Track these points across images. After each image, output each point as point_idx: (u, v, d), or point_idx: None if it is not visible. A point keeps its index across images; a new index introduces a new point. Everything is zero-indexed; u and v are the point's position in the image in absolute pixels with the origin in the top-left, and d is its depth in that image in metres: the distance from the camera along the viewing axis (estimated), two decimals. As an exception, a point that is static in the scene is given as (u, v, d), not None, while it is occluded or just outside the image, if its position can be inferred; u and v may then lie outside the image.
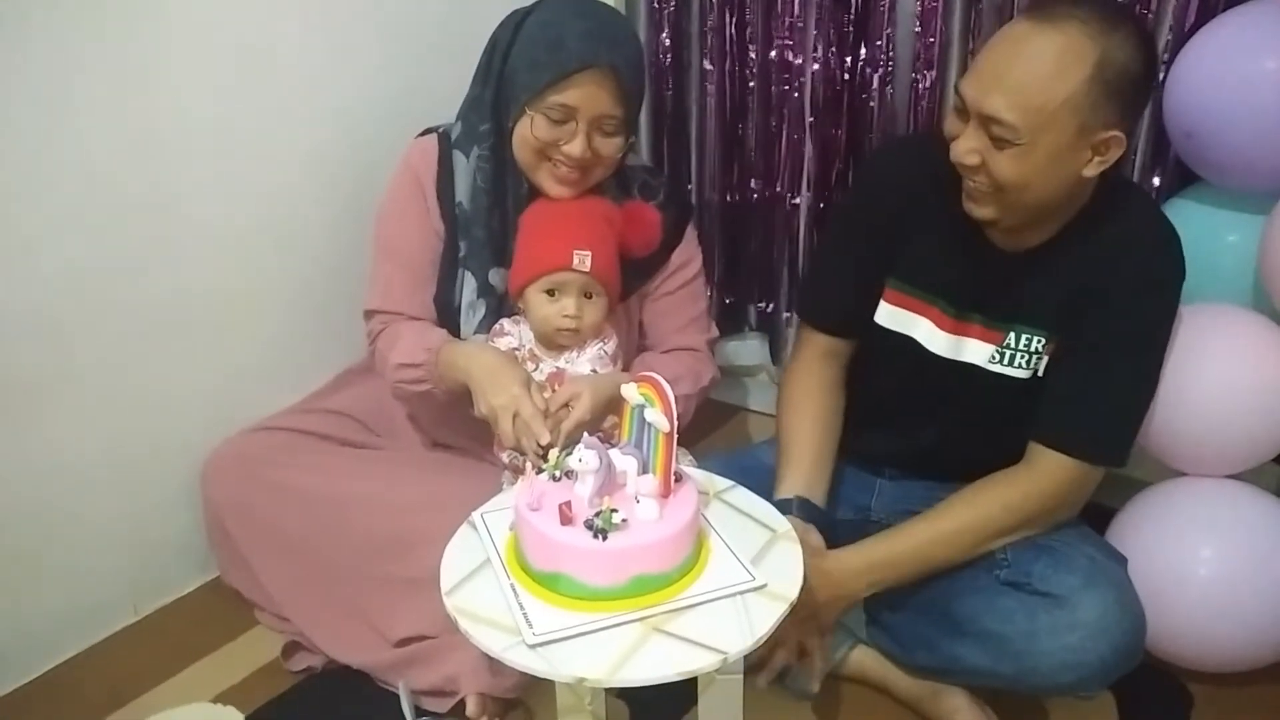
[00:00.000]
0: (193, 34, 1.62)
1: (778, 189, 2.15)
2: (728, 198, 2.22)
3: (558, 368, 1.52)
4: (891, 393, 1.56)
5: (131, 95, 1.57)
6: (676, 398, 1.49)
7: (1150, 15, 1.66)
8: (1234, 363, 1.52)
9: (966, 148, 1.30)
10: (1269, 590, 1.47)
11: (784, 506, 1.40)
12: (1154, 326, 1.40)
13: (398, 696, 1.53)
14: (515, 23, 1.53)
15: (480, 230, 1.58)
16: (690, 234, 1.69)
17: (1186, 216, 1.63)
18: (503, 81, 1.53)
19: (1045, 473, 1.40)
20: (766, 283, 2.25)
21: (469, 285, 1.59)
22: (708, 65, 2.13)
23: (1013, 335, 1.42)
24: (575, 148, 1.48)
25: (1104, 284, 1.35)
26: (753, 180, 2.18)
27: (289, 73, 1.75)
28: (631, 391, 1.21)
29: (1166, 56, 1.62)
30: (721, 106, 2.15)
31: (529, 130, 1.49)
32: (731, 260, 2.27)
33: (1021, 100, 1.24)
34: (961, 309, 1.46)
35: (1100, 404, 1.38)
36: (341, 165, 1.80)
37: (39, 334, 1.54)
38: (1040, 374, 1.43)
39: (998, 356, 1.44)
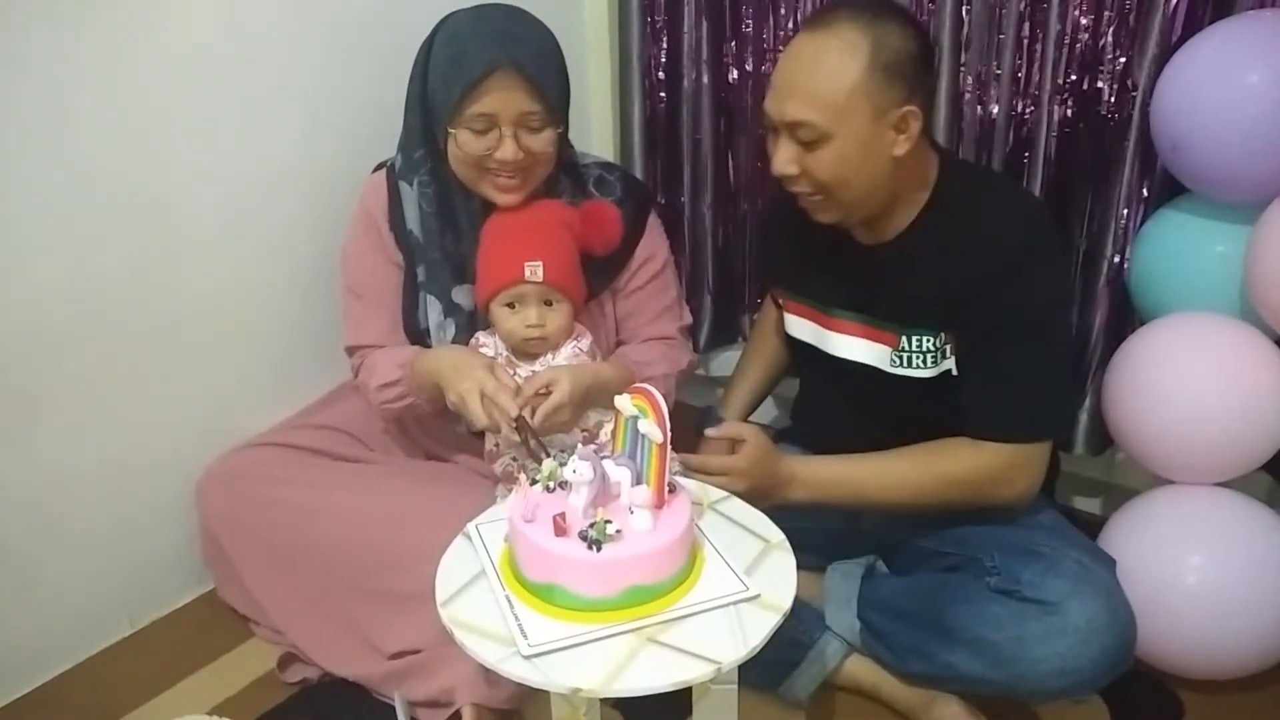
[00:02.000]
0: (190, 49, 1.63)
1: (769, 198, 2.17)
2: (721, 209, 2.24)
3: (535, 373, 1.53)
4: (828, 401, 1.63)
5: (127, 108, 1.58)
6: (654, 378, 1.53)
7: (1135, 29, 1.68)
8: (1222, 371, 1.53)
9: (783, 159, 1.39)
10: (1258, 597, 1.49)
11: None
12: (1040, 300, 1.42)
13: (394, 708, 1.53)
14: (427, 44, 1.54)
15: (436, 253, 1.60)
16: (653, 224, 1.71)
17: (1175, 227, 1.66)
18: (424, 106, 1.54)
19: (994, 456, 1.44)
20: (757, 293, 2.26)
21: (434, 308, 1.61)
22: (701, 78, 2.15)
23: (904, 338, 1.47)
24: (506, 152, 1.48)
25: (977, 273, 1.40)
26: (745, 191, 2.20)
27: (285, 85, 1.76)
28: (625, 403, 1.22)
29: (1152, 71, 1.64)
30: (714, 119, 2.17)
31: (458, 147, 1.50)
32: (724, 271, 2.28)
33: (815, 100, 1.34)
34: (835, 306, 1.55)
35: (1014, 388, 1.43)
36: (336, 182, 1.80)
37: (32, 351, 1.55)
38: (954, 371, 1.47)
39: (897, 360, 1.49)
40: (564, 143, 1.59)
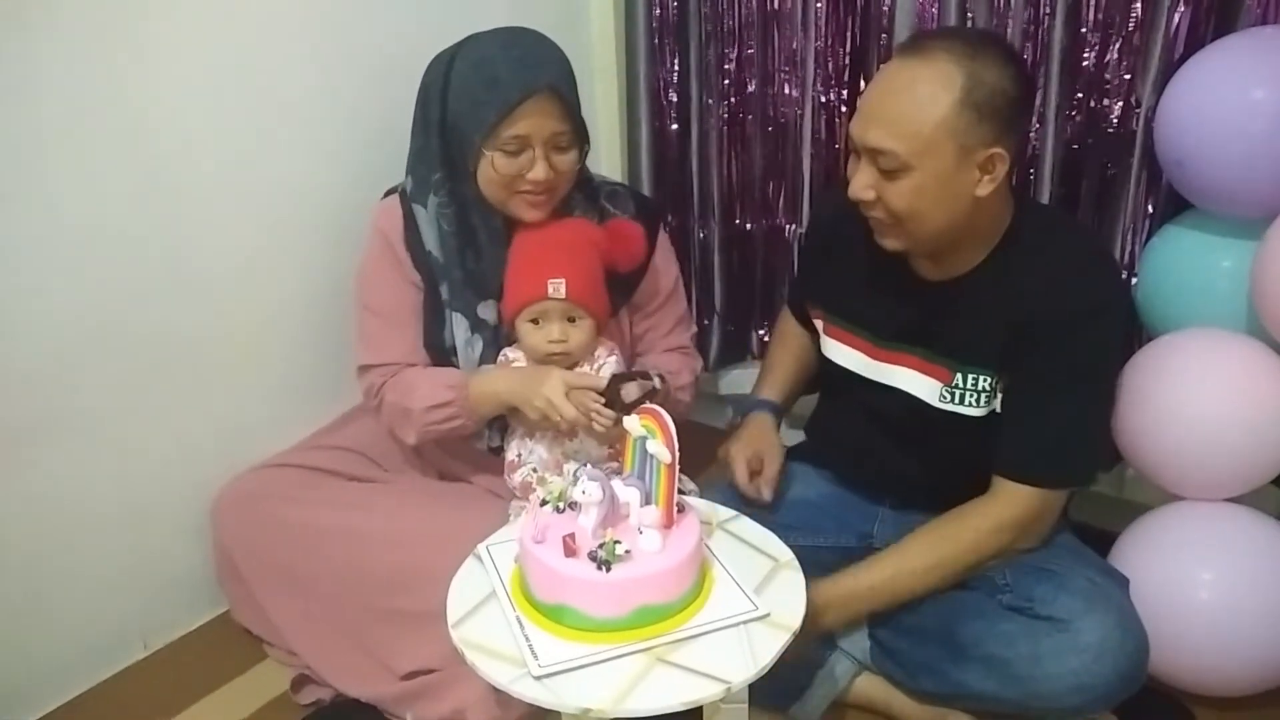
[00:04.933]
0: (196, 78, 1.65)
1: (777, 219, 2.18)
2: (729, 228, 2.25)
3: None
4: (861, 428, 1.60)
5: (139, 135, 1.59)
6: (682, 386, 1.56)
7: (1139, 47, 1.69)
8: (1229, 386, 1.53)
9: (861, 184, 1.36)
10: (1270, 613, 1.48)
11: (760, 405, 1.67)
12: (1099, 352, 1.42)
13: (407, 729, 1.54)
14: (443, 67, 1.56)
15: (458, 272, 1.62)
16: (663, 240, 1.74)
17: (1181, 242, 1.66)
18: (447, 128, 1.56)
19: (1011, 502, 1.43)
20: (767, 311, 2.27)
21: (460, 325, 1.63)
22: (708, 99, 2.16)
23: (959, 375, 1.45)
24: (539, 173, 1.52)
25: (1043, 318, 1.38)
26: (753, 210, 2.21)
27: (292, 113, 1.78)
28: (634, 424, 1.23)
29: (1156, 87, 1.65)
30: (722, 139, 2.18)
31: (491, 169, 1.53)
32: (733, 289, 2.29)
33: (899, 129, 1.30)
34: (887, 338, 1.52)
35: (1054, 433, 1.41)
36: (345, 204, 1.82)
37: (48, 377, 1.56)
38: (998, 410, 1.46)
39: (948, 395, 1.47)
40: (584, 163, 1.62)
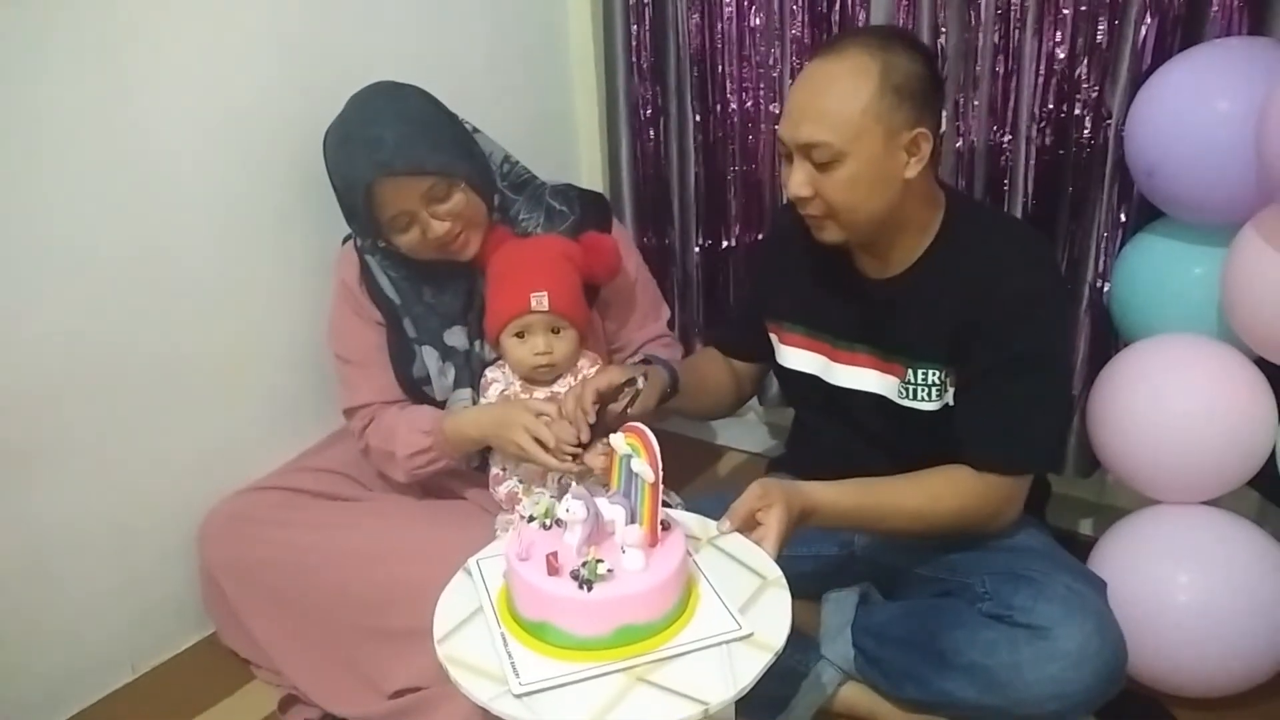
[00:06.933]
0: (184, 102, 1.66)
1: (757, 234, 2.19)
2: (709, 244, 2.26)
3: (554, 393, 1.59)
4: (833, 435, 1.63)
5: (120, 162, 1.60)
6: None
7: (1107, 58, 1.71)
8: (1203, 391, 1.55)
9: (797, 181, 1.41)
10: (1247, 614, 1.50)
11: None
12: (1043, 339, 1.46)
13: (395, 747, 1.54)
14: (326, 167, 1.60)
15: (419, 307, 1.65)
16: (618, 228, 1.76)
17: (1153, 250, 1.68)
18: (349, 212, 1.60)
19: (991, 488, 1.47)
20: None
21: (430, 356, 1.65)
22: (687, 115, 2.18)
23: (911, 371, 1.50)
24: (435, 230, 1.54)
25: (985, 311, 1.42)
26: (733, 226, 2.22)
27: (279, 138, 1.79)
28: (619, 441, 1.24)
29: (1125, 98, 1.67)
30: (701, 155, 2.20)
31: (397, 245, 1.57)
32: (713, 306, 2.30)
33: (829, 120, 1.36)
34: (845, 339, 1.56)
35: (1017, 422, 1.45)
36: (331, 227, 1.82)
37: (33, 400, 1.56)
38: (951, 404, 1.49)
39: (904, 391, 1.51)
40: (483, 182, 1.61)
